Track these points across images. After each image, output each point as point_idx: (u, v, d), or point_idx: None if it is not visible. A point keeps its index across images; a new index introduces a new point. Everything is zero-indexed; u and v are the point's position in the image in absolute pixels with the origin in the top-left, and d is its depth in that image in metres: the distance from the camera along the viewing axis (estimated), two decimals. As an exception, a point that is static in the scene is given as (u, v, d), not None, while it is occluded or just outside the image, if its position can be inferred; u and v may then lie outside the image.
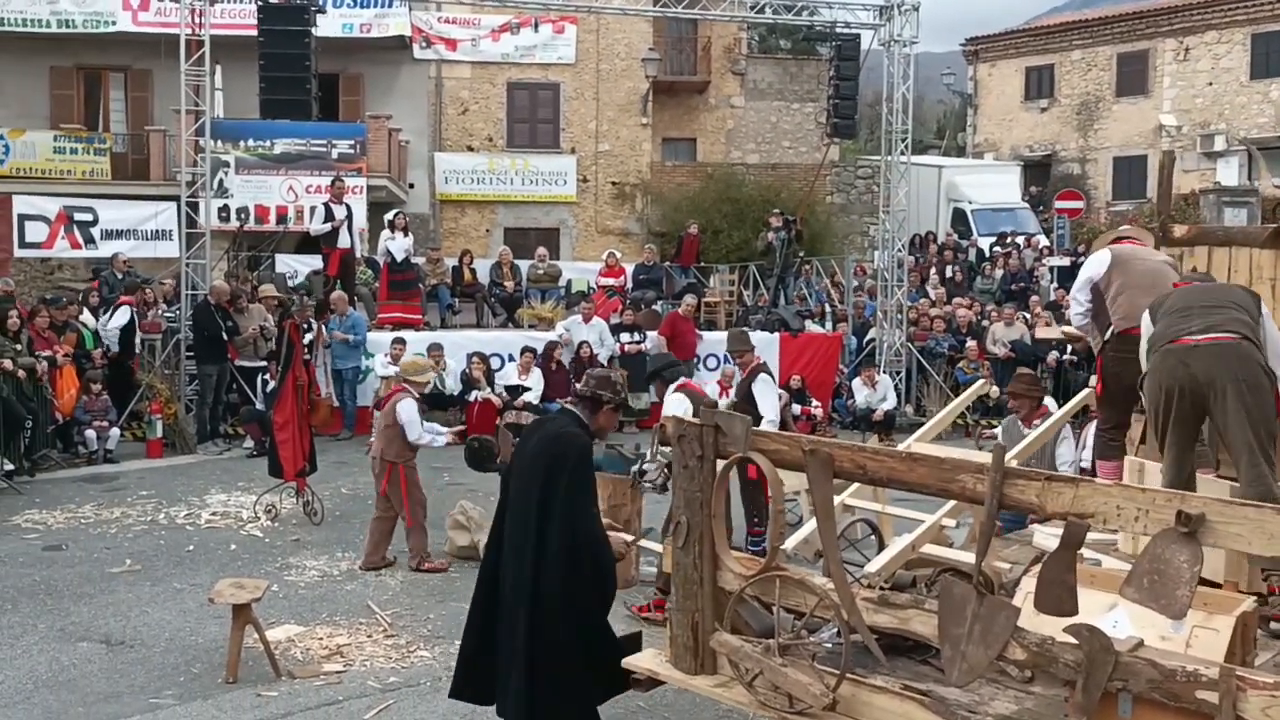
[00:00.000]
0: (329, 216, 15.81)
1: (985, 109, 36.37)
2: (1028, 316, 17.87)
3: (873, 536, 6.32)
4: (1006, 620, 3.63)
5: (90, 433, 12.94)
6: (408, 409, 9.03)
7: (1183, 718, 3.30)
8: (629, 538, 6.15)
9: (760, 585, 4.24)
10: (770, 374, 9.63)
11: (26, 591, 8.22)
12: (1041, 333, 14.16)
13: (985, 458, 3.72)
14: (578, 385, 5.24)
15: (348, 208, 16.17)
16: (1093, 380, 6.88)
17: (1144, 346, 5.12)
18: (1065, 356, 16.28)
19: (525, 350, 15.18)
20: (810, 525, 5.50)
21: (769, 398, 9.19)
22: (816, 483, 4.09)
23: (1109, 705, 3.43)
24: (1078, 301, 6.26)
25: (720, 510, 4.42)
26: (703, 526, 4.37)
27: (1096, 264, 6.07)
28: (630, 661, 4.60)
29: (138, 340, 14.38)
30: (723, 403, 9.70)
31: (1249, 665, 3.70)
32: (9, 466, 11.63)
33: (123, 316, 14.10)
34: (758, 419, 8.42)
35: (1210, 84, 30.88)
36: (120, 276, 15.67)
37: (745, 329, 12.08)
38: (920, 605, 3.92)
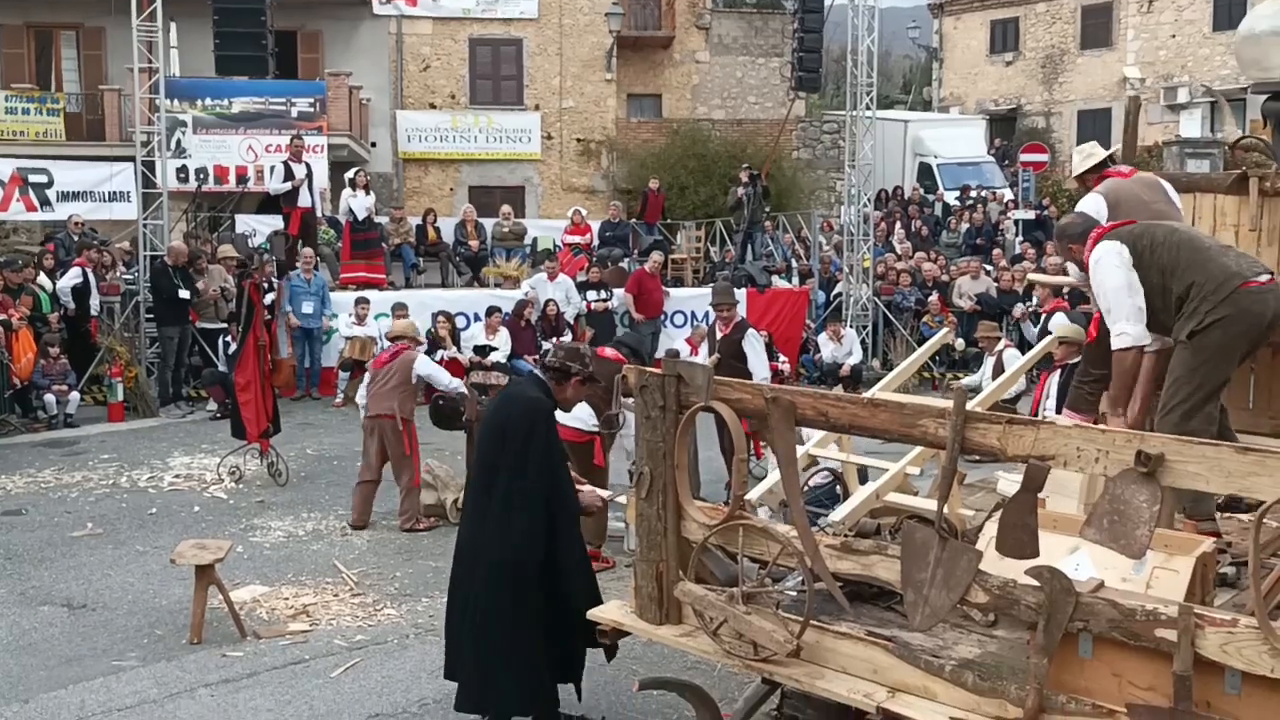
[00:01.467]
0: (289, 175, 15.57)
1: (951, 63, 36.28)
2: (990, 269, 17.93)
3: (837, 487, 6.34)
4: (969, 564, 3.63)
5: (49, 397, 12.75)
6: (427, 363, 9.23)
7: (1143, 656, 3.32)
8: (605, 493, 6.15)
9: (724, 534, 4.23)
10: (755, 329, 9.67)
11: (-14, 557, 8.13)
12: (1035, 277, 13.94)
13: (947, 403, 3.71)
14: (547, 357, 5.27)
15: (308, 166, 15.92)
16: (1063, 326, 6.82)
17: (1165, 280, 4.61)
18: (1030, 308, 16.34)
19: (492, 310, 15.06)
20: (774, 475, 5.50)
21: (761, 355, 9.23)
22: (779, 431, 4.07)
23: (1070, 646, 3.45)
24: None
25: (684, 461, 4.40)
26: (666, 477, 4.35)
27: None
28: (595, 613, 4.59)
29: (95, 302, 14.13)
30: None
31: (1208, 605, 3.73)
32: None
33: (75, 276, 13.82)
34: (748, 376, 8.46)
35: (1173, 36, 30.92)
36: (75, 238, 15.39)
37: (730, 283, 12.05)
38: (883, 551, 3.92)
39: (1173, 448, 3.30)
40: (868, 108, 17.81)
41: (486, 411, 5.33)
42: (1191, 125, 27.64)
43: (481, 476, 5.03)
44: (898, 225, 21.98)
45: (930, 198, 25.13)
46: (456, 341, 14.70)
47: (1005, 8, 34.55)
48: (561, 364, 5.15)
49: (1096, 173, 5.83)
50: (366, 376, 9.33)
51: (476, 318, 15.30)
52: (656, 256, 17.02)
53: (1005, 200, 23.89)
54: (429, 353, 14.38)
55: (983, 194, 24.09)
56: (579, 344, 5.59)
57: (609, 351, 8.90)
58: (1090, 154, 5.98)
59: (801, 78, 18.78)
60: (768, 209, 20.46)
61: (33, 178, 16.23)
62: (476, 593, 4.86)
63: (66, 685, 5.96)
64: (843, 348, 15.94)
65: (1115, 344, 4.69)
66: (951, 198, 24.68)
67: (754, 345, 9.14)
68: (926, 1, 37.29)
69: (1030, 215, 21.81)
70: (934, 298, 16.95)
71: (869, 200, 18.32)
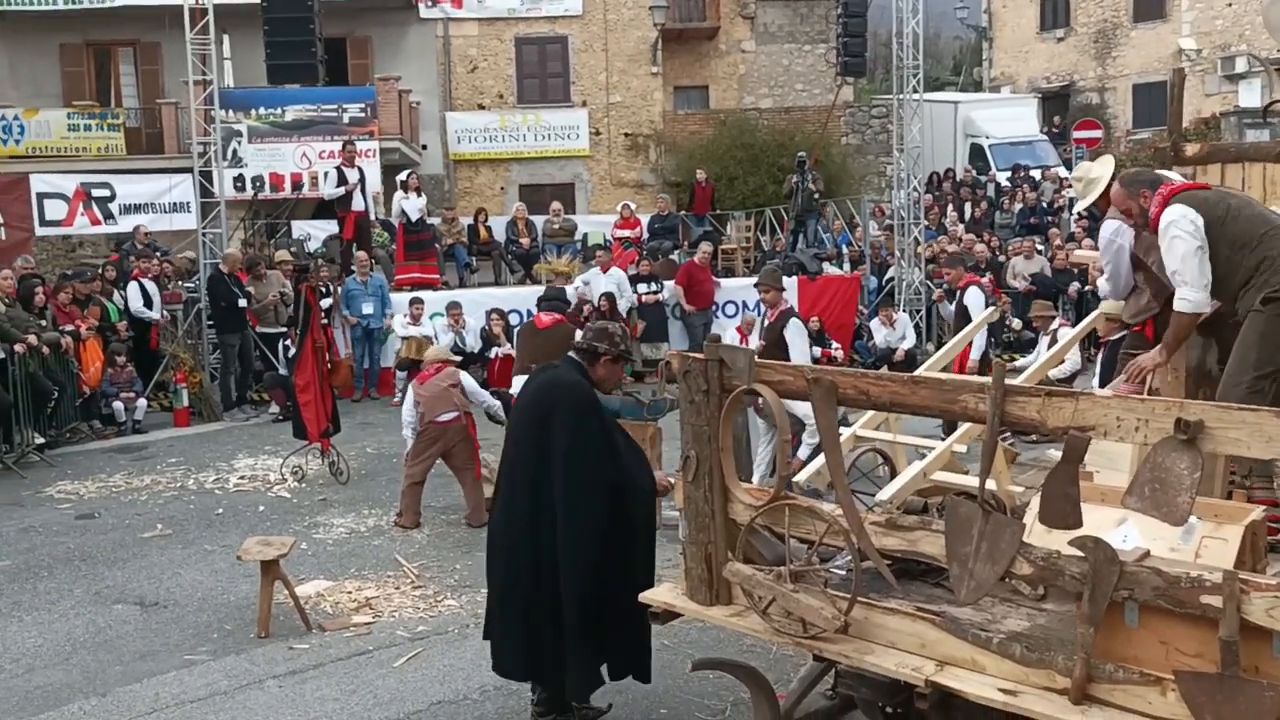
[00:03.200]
0: (342, 180, 15.84)
1: (1001, 41, 35.84)
2: (1041, 249, 17.71)
3: (884, 466, 6.35)
4: (1012, 536, 3.65)
5: (118, 404, 13.10)
6: (471, 380, 9.44)
7: (1189, 623, 3.32)
8: (672, 478, 6.19)
9: (770, 515, 4.28)
10: (800, 319, 9.66)
11: (62, 558, 8.40)
12: (1081, 253, 13.53)
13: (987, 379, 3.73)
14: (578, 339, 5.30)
15: (360, 171, 16.19)
16: (1107, 303, 6.70)
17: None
18: (1086, 288, 16.15)
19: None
20: (820, 457, 5.53)
21: (801, 344, 9.22)
22: (821, 411, 4.11)
23: (1116, 615, 3.45)
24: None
25: (729, 444, 4.45)
26: (712, 460, 4.40)
27: (1121, 241, 5.57)
28: (646, 595, 4.66)
29: (156, 310, 14.44)
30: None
31: (1259, 573, 3.70)
32: (40, 440, 11.79)
33: (136, 296, 14.09)
34: None
35: (1230, 4, 30.26)
36: (140, 248, 15.77)
37: (778, 268, 12.01)
38: (927, 526, 3.95)
39: (1212, 414, 3.29)
40: (914, 90, 17.69)
41: (521, 398, 5.23)
42: (1250, 95, 26.98)
43: (523, 467, 4.98)
44: (950, 208, 21.79)
45: (983, 179, 24.88)
46: (510, 338, 14.84)
47: (1055, -18, 34.09)
48: (589, 345, 5.17)
49: (1104, 196, 5.70)
50: (410, 398, 9.24)
51: (529, 314, 15.43)
52: (706, 247, 17.04)
53: (1059, 178, 23.59)
54: (484, 350, 14.65)
55: (1032, 174, 23.80)
56: (608, 324, 5.54)
57: (545, 318, 9.06)
58: (1089, 181, 5.82)
59: (847, 63, 18.71)
60: (817, 196, 20.38)
61: (96, 192, 16.60)
62: (570, 584, 4.86)
63: (141, 679, 6.17)
64: (896, 332, 15.86)
65: (1177, 305, 4.85)
66: (1004, 178, 24.41)
67: (794, 334, 9.13)
68: (974, -19, 36.88)
69: (1085, 193, 21.48)
70: (986, 278, 16.78)
71: (919, 184, 18.19)
